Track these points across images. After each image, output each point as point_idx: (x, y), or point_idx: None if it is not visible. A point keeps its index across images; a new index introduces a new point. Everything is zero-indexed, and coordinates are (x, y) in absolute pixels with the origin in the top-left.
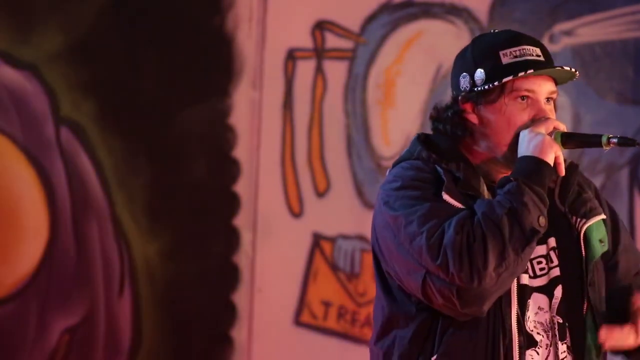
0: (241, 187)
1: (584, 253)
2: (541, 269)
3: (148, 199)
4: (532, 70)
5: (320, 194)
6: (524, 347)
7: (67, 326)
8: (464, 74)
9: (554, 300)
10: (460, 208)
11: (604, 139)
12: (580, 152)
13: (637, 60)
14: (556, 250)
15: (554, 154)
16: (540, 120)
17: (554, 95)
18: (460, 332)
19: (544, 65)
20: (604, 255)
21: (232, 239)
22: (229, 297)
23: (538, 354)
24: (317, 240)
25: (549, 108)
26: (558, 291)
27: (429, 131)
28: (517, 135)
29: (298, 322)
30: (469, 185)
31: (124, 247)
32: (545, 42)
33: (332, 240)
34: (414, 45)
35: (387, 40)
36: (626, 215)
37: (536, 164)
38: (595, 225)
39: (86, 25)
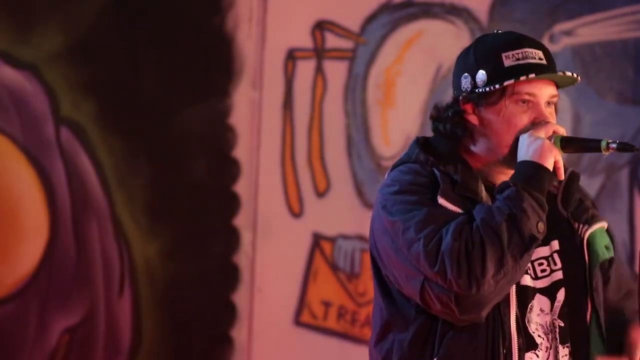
0: (241, 187)
1: (587, 259)
2: (542, 271)
3: (148, 199)
4: (533, 75)
5: (320, 194)
6: (523, 350)
7: (67, 326)
8: (466, 74)
9: (556, 303)
10: (457, 212)
11: (603, 144)
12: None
13: (637, 60)
14: (560, 254)
15: (554, 159)
16: (540, 123)
17: (555, 99)
18: (460, 335)
19: (546, 69)
20: (602, 264)
21: (232, 239)
22: (229, 297)
23: (538, 356)
24: (317, 240)
25: (549, 111)
26: (561, 294)
27: (429, 131)
28: (517, 139)
29: (298, 322)
30: (466, 188)
31: (124, 247)
32: (545, 42)
33: (332, 240)
34: (414, 45)
35: (387, 40)
36: (626, 215)
37: (535, 169)
38: (598, 231)
39: (86, 25)
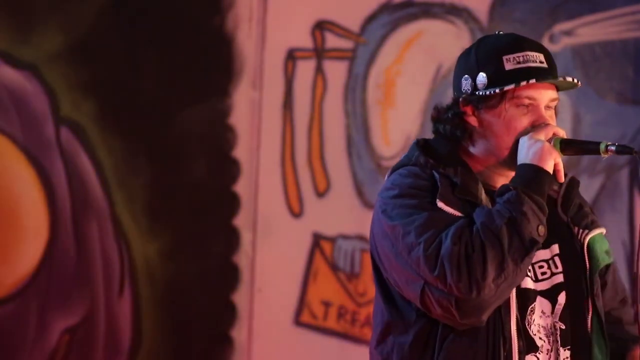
0: (241, 187)
1: (588, 264)
2: (543, 274)
3: (148, 199)
4: (534, 80)
5: (320, 194)
6: (523, 352)
7: (67, 326)
8: (466, 76)
9: (557, 306)
10: (457, 216)
11: (602, 147)
12: None
13: (637, 60)
14: (560, 257)
15: (554, 161)
16: (540, 126)
17: (555, 102)
18: (461, 338)
19: (547, 73)
20: (600, 269)
21: (232, 239)
22: (229, 297)
23: (539, 359)
24: (317, 240)
25: (548, 114)
26: (562, 297)
27: (429, 131)
28: (516, 141)
29: (298, 322)
30: (466, 191)
31: (124, 247)
32: (545, 42)
33: (332, 240)
34: (414, 45)
35: (387, 40)
36: (626, 215)
37: (535, 172)
38: (598, 236)
39: (86, 25)
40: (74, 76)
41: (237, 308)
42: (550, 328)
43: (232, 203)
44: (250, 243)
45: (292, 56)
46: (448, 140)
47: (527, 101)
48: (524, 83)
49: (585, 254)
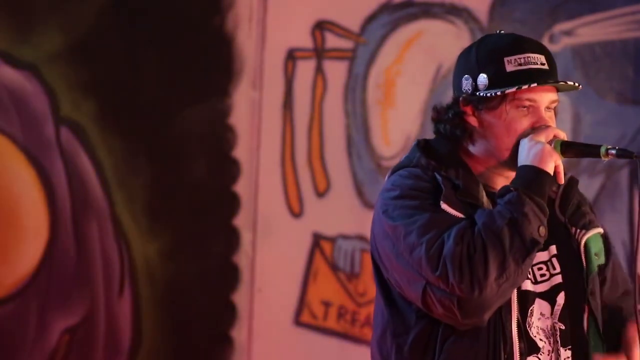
0: (241, 187)
1: (584, 263)
2: (542, 275)
3: (148, 199)
4: (535, 84)
5: (320, 194)
6: (525, 354)
7: (67, 326)
8: (467, 76)
9: (556, 307)
10: (459, 218)
11: (602, 150)
12: None
13: (637, 60)
14: (558, 258)
15: (554, 163)
16: (540, 128)
17: (555, 104)
18: (462, 340)
19: (548, 75)
20: (598, 267)
21: (232, 239)
22: (229, 297)
23: None
24: (317, 240)
25: (548, 115)
26: (560, 298)
27: (429, 131)
28: (517, 142)
29: (298, 322)
30: (468, 193)
31: (124, 247)
32: (545, 42)
33: (332, 240)
34: (414, 45)
35: (387, 40)
36: (626, 215)
37: (536, 174)
38: (593, 237)
39: (86, 25)
40: (74, 76)
41: (237, 308)
42: (550, 329)
43: (232, 203)
44: (250, 243)
45: (292, 56)
46: (448, 140)
47: (527, 103)
48: (525, 86)
49: (582, 255)
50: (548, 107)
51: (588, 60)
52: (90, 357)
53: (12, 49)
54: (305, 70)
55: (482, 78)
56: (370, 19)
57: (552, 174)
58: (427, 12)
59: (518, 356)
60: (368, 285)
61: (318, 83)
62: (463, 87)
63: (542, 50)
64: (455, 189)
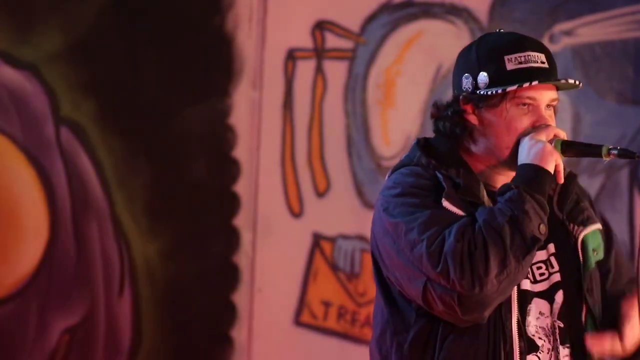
0: (241, 187)
1: (581, 260)
2: (541, 274)
3: (148, 199)
4: (536, 82)
5: (320, 194)
6: (524, 353)
7: (67, 326)
8: (467, 74)
9: (554, 305)
10: (460, 215)
11: (604, 150)
12: None
13: (637, 60)
14: (556, 256)
15: (555, 162)
16: (541, 127)
17: (555, 103)
18: (461, 338)
19: (548, 73)
20: (598, 263)
21: (232, 239)
22: (229, 297)
23: (539, 358)
24: (317, 240)
25: (548, 114)
26: (559, 296)
27: (429, 131)
28: (517, 141)
29: (298, 322)
30: (469, 192)
31: (124, 247)
32: (545, 42)
33: (332, 240)
34: (414, 45)
35: (387, 40)
36: (626, 215)
37: (537, 172)
38: (591, 233)
39: (86, 25)
40: (74, 76)
41: (237, 308)
42: (550, 328)
43: (232, 203)
44: (250, 243)
45: (292, 56)
46: (448, 138)
47: (528, 101)
48: (526, 84)
49: (580, 251)
50: (548, 106)
51: (588, 60)
52: (90, 357)
53: (12, 49)
54: (305, 70)
55: (483, 76)
56: (370, 19)
57: (552, 172)
58: (427, 12)
59: (518, 355)
60: (368, 285)
61: (318, 83)
62: (463, 86)
63: (542, 49)
64: (456, 187)
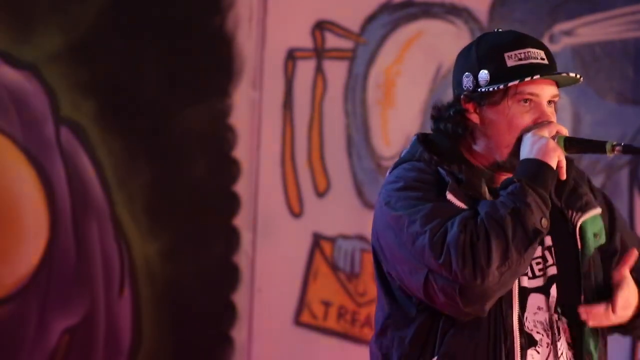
0: (241, 187)
1: (580, 246)
2: (540, 270)
3: (148, 199)
4: (538, 76)
5: (320, 194)
6: (525, 348)
7: (67, 326)
8: (467, 73)
9: (550, 299)
10: (463, 208)
11: (608, 146)
12: None
13: (637, 60)
14: (552, 249)
15: (557, 158)
16: (542, 123)
17: (556, 99)
18: (462, 333)
19: (548, 69)
20: (601, 247)
21: (232, 239)
22: (229, 297)
23: (539, 353)
24: (317, 240)
25: (550, 110)
26: (554, 289)
27: (428, 131)
28: (518, 139)
29: (298, 322)
30: (471, 187)
31: (124, 247)
32: (545, 42)
33: (332, 240)
34: (414, 45)
35: (387, 40)
36: (626, 215)
37: (540, 167)
38: (590, 219)
39: (86, 25)
40: (74, 76)
41: (237, 308)
42: (548, 321)
43: (232, 203)
44: (250, 243)
45: (292, 56)
46: (448, 137)
47: (529, 96)
48: (528, 79)
49: (578, 238)
50: (550, 102)
51: (588, 60)
52: (90, 357)
53: (12, 49)
54: (305, 70)
55: (483, 74)
56: (370, 19)
57: (555, 168)
58: (427, 12)
59: (519, 350)
60: (368, 285)
61: (318, 83)
62: (464, 85)
63: (541, 46)
64: (459, 182)
